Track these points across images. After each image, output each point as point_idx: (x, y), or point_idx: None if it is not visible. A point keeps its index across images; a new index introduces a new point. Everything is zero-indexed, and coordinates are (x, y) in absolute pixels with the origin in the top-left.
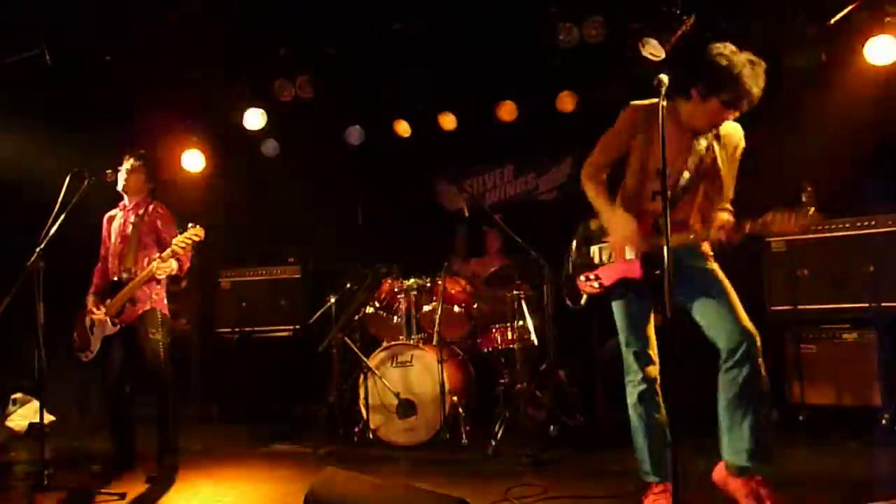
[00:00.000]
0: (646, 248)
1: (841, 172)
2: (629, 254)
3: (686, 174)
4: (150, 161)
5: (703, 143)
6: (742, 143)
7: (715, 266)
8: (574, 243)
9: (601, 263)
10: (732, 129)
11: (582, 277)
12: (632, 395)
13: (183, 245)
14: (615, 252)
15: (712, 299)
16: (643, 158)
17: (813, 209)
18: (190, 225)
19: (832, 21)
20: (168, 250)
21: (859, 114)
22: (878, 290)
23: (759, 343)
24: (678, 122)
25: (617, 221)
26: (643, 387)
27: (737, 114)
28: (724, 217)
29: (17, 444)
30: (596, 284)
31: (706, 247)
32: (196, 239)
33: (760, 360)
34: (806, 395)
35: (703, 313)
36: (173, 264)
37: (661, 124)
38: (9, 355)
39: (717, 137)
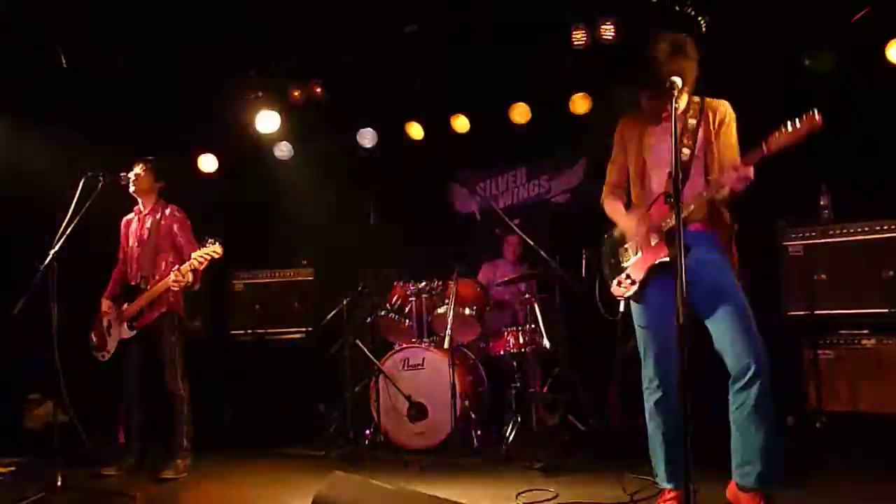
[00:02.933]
0: (666, 226)
1: (860, 175)
2: (653, 240)
3: (686, 150)
4: (159, 164)
5: (691, 121)
6: (729, 114)
7: (729, 264)
8: (602, 259)
9: (630, 264)
10: (717, 104)
11: (614, 283)
12: (648, 402)
13: (201, 261)
14: (640, 244)
15: (724, 315)
16: (634, 161)
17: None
18: (210, 241)
19: (853, 20)
20: (186, 265)
21: (879, 115)
22: None
23: (766, 362)
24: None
25: (631, 222)
26: (659, 394)
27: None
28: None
29: (33, 445)
30: (628, 283)
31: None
32: (215, 256)
33: (768, 380)
34: (823, 402)
35: (714, 327)
36: (190, 277)
37: (673, 123)
38: (24, 356)
39: (702, 110)
